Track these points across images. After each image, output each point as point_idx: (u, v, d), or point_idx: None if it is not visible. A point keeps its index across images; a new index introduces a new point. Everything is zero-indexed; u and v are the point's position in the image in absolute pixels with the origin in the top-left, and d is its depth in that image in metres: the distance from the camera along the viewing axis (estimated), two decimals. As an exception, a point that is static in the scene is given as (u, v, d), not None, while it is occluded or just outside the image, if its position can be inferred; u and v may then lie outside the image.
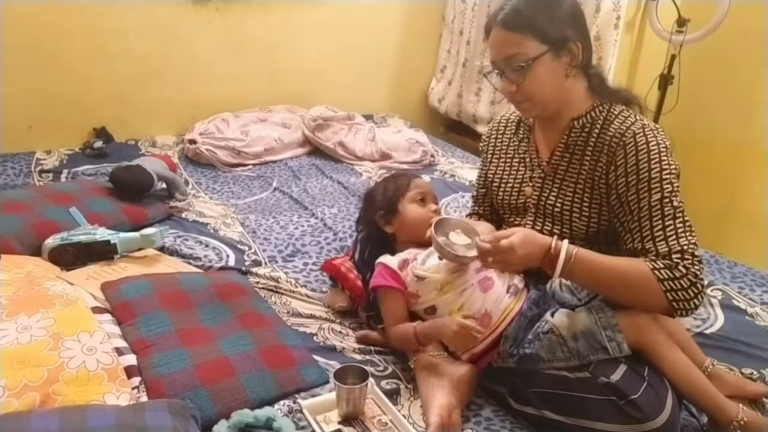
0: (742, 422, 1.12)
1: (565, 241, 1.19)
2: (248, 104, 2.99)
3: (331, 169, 2.66)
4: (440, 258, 1.31)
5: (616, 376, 1.12)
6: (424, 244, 1.39)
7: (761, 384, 1.30)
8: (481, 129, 3.21)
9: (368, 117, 3.18)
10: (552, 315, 1.25)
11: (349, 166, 2.72)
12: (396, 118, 3.34)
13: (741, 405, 1.15)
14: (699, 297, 1.16)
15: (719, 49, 2.65)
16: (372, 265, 1.43)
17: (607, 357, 1.15)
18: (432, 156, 2.83)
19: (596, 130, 1.31)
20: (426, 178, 2.58)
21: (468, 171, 2.67)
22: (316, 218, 2.13)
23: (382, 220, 1.46)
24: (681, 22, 2.62)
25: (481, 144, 1.64)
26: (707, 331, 1.53)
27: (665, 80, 2.72)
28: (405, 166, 2.73)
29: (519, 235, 1.18)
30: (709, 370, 1.24)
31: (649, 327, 1.17)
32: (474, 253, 1.25)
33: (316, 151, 2.85)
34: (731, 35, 2.55)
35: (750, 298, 1.70)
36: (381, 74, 3.42)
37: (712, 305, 1.66)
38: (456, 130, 3.49)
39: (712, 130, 2.80)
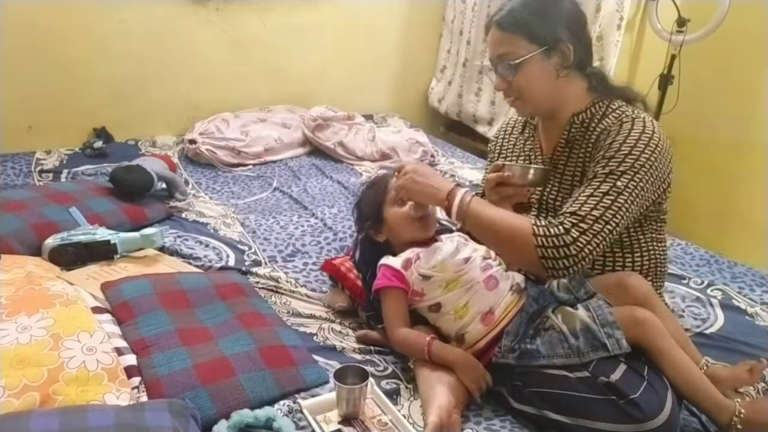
0: (741, 415, 1.12)
1: (465, 189, 1.26)
2: (248, 104, 2.99)
3: (331, 169, 2.66)
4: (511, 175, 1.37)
5: (615, 376, 1.12)
6: (421, 243, 1.40)
7: (750, 363, 1.27)
8: (481, 129, 3.22)
9: (368, 117, 3.19)
10: (553, 312, 1.26)
11: (349, 166, 2.72)
12: (396, 118, 3.34)
13: (736, 399, 1.15)
14: (568, 260, 1.17)
15: (719, 49, 2.65)
16: (372, 265, 1.44)
17: (607, 354, 1.15)
18: (432, 156, 2.83)
19: (593, 125, 1.34)
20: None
21: (468, 171, 2.67)
22: (316, 218, 2.13)
23: (372, 231, 1.46)
24: (681, 22, 2.62)
25: (489, 145, 1.65)
26: (707, 331, 1.54)
27: (665, 80, 2.72)
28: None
29: (416, 164, 1.35)
30: (704, 370, 1.25)
31: (648, 324, 1.18)
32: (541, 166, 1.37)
33: (316, 151, 2.85)
34: (731, 35, 2.55)
35: (750, 298, 1.70)
36: (381, 74, 3.42)
37: (712, 305, 1.66)
38: (456, 130, 3.49)
39: (712, 130, 2.80)
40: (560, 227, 1.18)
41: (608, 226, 1.19)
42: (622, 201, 1.20)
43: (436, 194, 1.30)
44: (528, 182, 1.36)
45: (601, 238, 1.18)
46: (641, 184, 1.22)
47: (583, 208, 1.20)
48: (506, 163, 1.36)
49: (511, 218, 1.26)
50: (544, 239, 1.18)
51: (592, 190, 1.22)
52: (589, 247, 1.18)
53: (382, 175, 1.56)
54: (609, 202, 1.19)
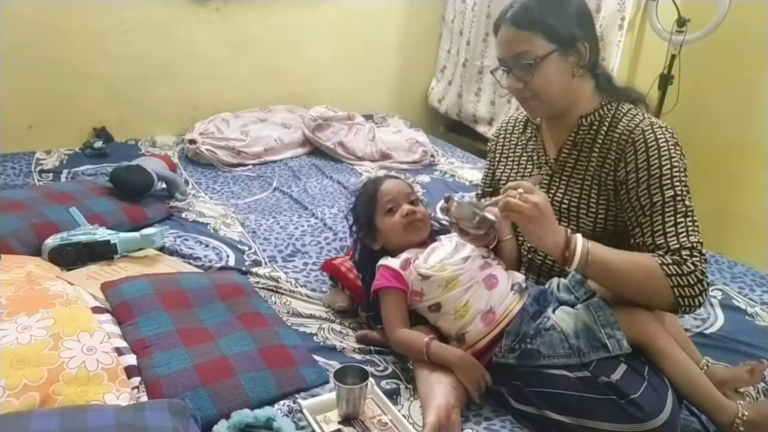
0: (744, 417, 1.12)
1: (578, 235, 1.18)
2: (248, 104, 2.99)
3: (331, 169, 2.66)
4: (456, 223, 1.28)
5: (616, 376, 1.12)
6: (417, 245, 1.40)
7: (751, 363, 1.29)
8: (481, 129, 3.22)
9: (368, 117, 3.19)
10: (553, 312, 1.26)
11: (349, 166, 2.72)
12: (396, 118, 3.34)
13: (738, 401, 1.15)
14: (703, 295, 1.17)
15: (719, 49, 2.65)
16: (372, 265, 1.44)
17: (608, 354, 1.15)
18: (432, 156, 2.83)
19: (604, 128, 1.32)
20: (426, 178, 2.59)
21: (468, 171, 2.67)
22: (316, 218, 2.13)
23: (367, 240, 1.47)
24: (681, 22, 2.62)
25: (489, 144, 1.64)
26: (707, 331, 1.54)
27: (665, 80, 2.72)
28: (405, 166, 2.74)
29: (543, 196, 1.14)
30: (704, 370, 1.25)
31: (648, 324, 1.18)
32: (492, 217, 1.24)
33: (316, 151, 2.85)
34: (731, 35, 2.55)
35: (750, 298, 1.70)
36: (381, 74, 3.42)
37: (712, 305, 1.66)
38: (456, 130, 3.49)
39: (712, 130, 2.80)
40: (688, 264, 1.16)
41: (701, 237, 1.20)
42: (696, 216, 1.22)
43: (557, 240, 1.16)
44: (473, 226, 1.27)
45: (705, 253, 1.19)
46: (687, 181, 1.24)
47: (681, 239, 1.18)
48: (455, 199, 1.27)
49: (638, 261, 1.19)
50: (679, 278, 1.16)
51: (673, 218, 1.20)
52: (708, 273, 1.19)
53: (370, 183, 1.53)
54: (691, 223, 1.20)
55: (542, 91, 1.30)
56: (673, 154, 1.23)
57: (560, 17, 1.26)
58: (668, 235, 1.20)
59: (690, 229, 1.20)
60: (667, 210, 1.21)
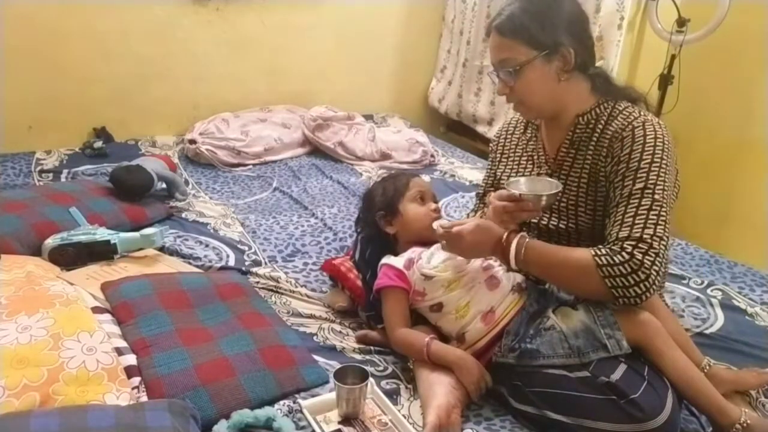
0: (745, 425, 1.12)
1: (519, 234, 1.23)
2: (248, 104, 2.99)
3: (331, 169, 2.66)
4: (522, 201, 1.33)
5: (616, 376, 1.12)
6: (426, 242, 1.40)
7: (758, 371, 1.29)
8: (481, 129, 3.22)
9: (368, 117, 3.19)
10: (553, 312, 1.26)
11: (349, 166, 2.72)
12: (396, 118, 3.34)
13: (743, 408, 1.15)
14: (640, 286, 1.14)
15: (719, 49, 2.65)
16: (372, 265, 1.44)
17: (608, 355, 1.15)
18: (432, 156, 2.83)
19: (600, 126, 1.33)
20: (426, 178, 2.59)
21: (468, 171, 2.67)
22: (316, 218, 2.13)
23: (382, 221, 1.46)
24: (681, 22, 2.62)
25: (491, 145, 1.65)
26: (707, 331, 1.54)
27: (665, 80, 2.72)
28: (405, 166, 2.74)
29: (471, 225, 1.27)
30: (706, 370, 1.25)
31: (648, 325, 1.18)
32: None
33: (316, 151, 2.85)
34: (731, 35, 2.54)
35: (750, 298, 1.70)
36: (381, 74, 3.42)
37: (712, 305, 1.66)
38: (456, 130, 3.50)
39: (712, 129, 2.79)
40: (623, 254, 1.15)
41: (663, 241, 1.17)
42: (664, 212, 1.19)
43: (487, 245, 1.27)
44: (541, 207, 1.31)
45: (662, 255, 1.16)
46: (668, 190, 1.22)
47: (635, 230, 1.17)
48: (523, 193, 1.31)
49: (571, 253, 1.21)
50: (609, 269, 1.15)
51: (635, 209, 1.19)
52: (655, 267, 1.15)
53: (403, 171, 1.57)
54: (655, 217, 1.18)
55: (526, 96, 1.33)
56: (657, 150, 1.23)
57: (544, 24, 1.28)
58: (623, 225, 1.19)
59: (649, 222, 1.17)
60: (632, 201, 1.20)
